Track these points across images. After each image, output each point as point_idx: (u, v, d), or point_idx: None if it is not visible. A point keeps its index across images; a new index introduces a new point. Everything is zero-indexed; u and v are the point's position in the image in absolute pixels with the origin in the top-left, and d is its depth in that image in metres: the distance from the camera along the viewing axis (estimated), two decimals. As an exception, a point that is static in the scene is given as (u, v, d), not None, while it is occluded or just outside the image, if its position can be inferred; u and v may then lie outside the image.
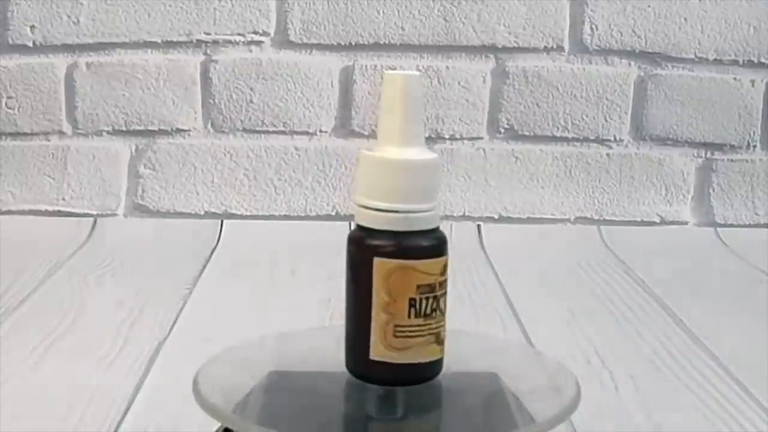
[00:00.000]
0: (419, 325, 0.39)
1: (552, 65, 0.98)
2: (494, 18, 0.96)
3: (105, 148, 0.97)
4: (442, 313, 0.40)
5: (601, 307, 0.77)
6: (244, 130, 0.97)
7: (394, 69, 0.92)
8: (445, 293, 0.40)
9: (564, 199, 1.00)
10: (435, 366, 0.41)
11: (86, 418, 0.53)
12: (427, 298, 0.39)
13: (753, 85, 0.99)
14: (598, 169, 1.00)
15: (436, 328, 0.40)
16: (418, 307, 0.39)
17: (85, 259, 0.87)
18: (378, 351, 0.40)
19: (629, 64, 0.98)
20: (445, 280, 0.40)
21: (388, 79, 0.40)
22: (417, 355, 0.40)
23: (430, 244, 0.40)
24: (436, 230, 0.40)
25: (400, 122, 0.40)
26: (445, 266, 0.40)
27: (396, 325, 0.39)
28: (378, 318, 0.39)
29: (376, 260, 0.39)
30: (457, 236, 0.95)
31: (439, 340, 0.40)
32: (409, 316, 0.39)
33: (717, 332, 0.71)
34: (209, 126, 0.97)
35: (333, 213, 0.98)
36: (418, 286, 0.39)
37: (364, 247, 0.39)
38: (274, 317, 0.72)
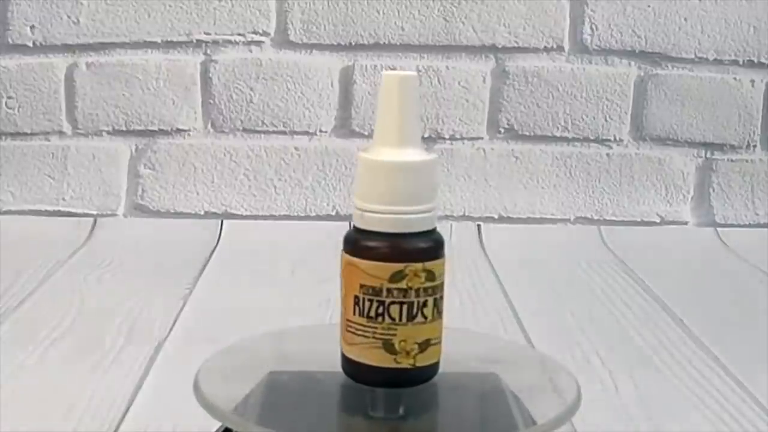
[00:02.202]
0: (363, 325, 0.39)
1: (552, 65, 0.98)
2: (494, 18, 0.96)
3: (105, 148, 0.97)
4: (396, 323, 0.39)
5: (601, 307, 0.77)
6: (244, 130, 0.98)
7: (394, 69, 0.92)
8: (402, 304, 0.39)
9: (564, 199, 1.00)
10: (390, 374, 0.39)
11: (86, 418, 0.53)
12: (371, 301, 0.39)
13: (753, 85, 0.99)
14: (598, 169, 1.00)
15: (385, 334, 0.39)
16: (361, 306, 0.39)
17: (85, 259, 0.87)
18: (341, 341, 0.41)
19: (629, 64, 0.98)
20: (403, 290, 0.39)
21: (385, 80, 0.40)
22: (362, 355, 0.40)
23: (376, 247, 0.39)
24: (417, 234, 0.39)
25: (396, 123, 0.40)
26: (399, 274, 0.39)
27: (347, 319, 0.40)
28: (341, 309, 0.40)
29: (342, 252, 0.40)
30: (457, 236, 0.96)
31: (392, 349, 0.39)
32: (354, 313, 0.40)
33: (717, 332, 0.71)
34: (209, 126, 0.97)
35: (333, 213, 0.98)
36: (361, 286, 0.39)
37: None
38: (274, 317, 0.72)
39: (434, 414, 0.42)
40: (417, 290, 0.39)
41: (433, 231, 0.40)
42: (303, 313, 0.73)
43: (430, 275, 0.39)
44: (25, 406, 0.55)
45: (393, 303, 0.39)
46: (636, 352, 0.67)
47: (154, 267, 0.85)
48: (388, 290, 0.39)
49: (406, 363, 0.39)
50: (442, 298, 0.40)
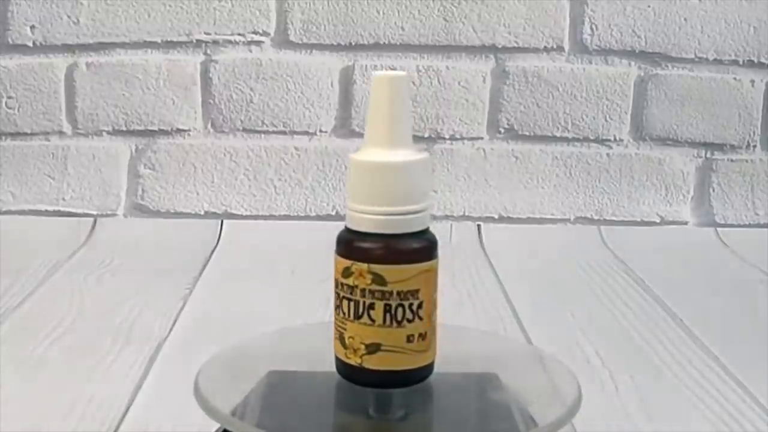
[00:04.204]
0: (333, 314, 0.40)
1: (552, 65, 0.98)
2: (494, 18, 0.96)
3: (105, 148, 0.97)
4: (346, 318, 0.39)
5: (601, 307, 0.77)
6: (244, 130, 0.98)
7: (394, 69, 0.92)
8: (350, 300, 0.39)
9: (564, 199, 1.00)
10: (343, 367, 0.40)
11: (86, 418, 0.53)
12: (335, 292, 0.40)
13: (753, 85, 0.99)
14: (598, 169, 1.00)
15: (339, 327, 0.40)
16: (334, 296, 0.40)
17: (85, 259, 0.87)
18: None
19: (629, 64, 0.98)
20: (350, 287, 0.39)
21: (375, 80, 0.40)
22: (333, 343, 0.41)
23: (339, 241, 0.40)
24: (389, 236, 0.39)
25: (385, 123, 0.40)
26: (347, 270, 0.39)
27: None
28: None
29: None
30: (457, 236, 0.95)
31: (344, 343, 0.40)
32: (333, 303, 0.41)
33: (717, 332, 0.71)
34: (209, 126, 0.97)
35: (333, 213, 0.98)
36: (335, 277, 0.40)
37: None
38: (273, 317, 0.72)
39: (434, 415, 0.42)
40: (363, 290, 0.39)
41: (407, 235, 0.39)
42: (303, 313, 0.73)
43: (378, 279, 0.39)
44: (25, 406, 0.55)
45: (344, 298, 0.39)
46: (636, 352, 0.67)
47: (154, 267, 0.85)
48: (342, 284, 0.40)
49: (353, 360, 0.40)
50: (403, 306, 0.39)
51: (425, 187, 0.40)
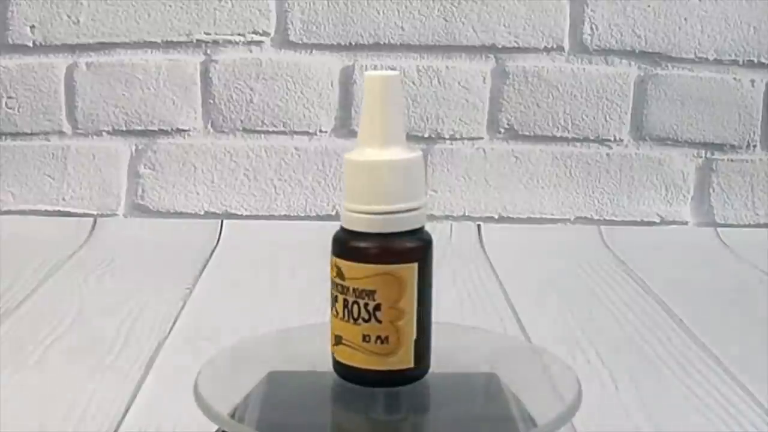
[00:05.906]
0: None
1: (552, 65, 0.98)
2: (494, 18, 0.96)
3: (105, 148, 0.97)
4: (334, 315, 0.40)
5: (601, 307, 0.77)
6: (244, 130, 0.98)
7: (393, 69, 0.92)
8: (338, 299, 0.39)
9: (564, 199, 1.00)
10: (333, 362, 0.41)
11: (86, 418, 0.53)
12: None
13: (753, 85, 0.99)
14: (598, 169, 1.00)
15: (332, 326, 0.40)
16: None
17: (85, 259, 0.87)
18: None
19: (629, 64, 0.98)
20: (339, 286, 0.39)
21: (367, 80, 0.40)
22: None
23: (333, 240, 0.40)
24: (377, 235, 0.39)
25: (379, 122, 0.40)
26: (332, 265, 0.40)
27: None
28: None
29: None
30: (457, 236, 0.95)
31: (332, 340, 0.40)
32: None
33: (717, 332, 0.71)
34: (209, 126, 0.97)
35: (333, 213, 0.98)
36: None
37: None
38: (274, 317, 0.72)
39: (434, 415, 0.42)
40: (332, 281, 0.40)
41: (393, 235, 0.39)
42: (303, 313, 0.73)
43: (339, 272, 0.39)
44: (25, 406, 0.55)
45: (335, 298, 0.40)
46: (636, 352, 0.67)
47: (154, 267, 0.85)
48: (332, 282, 0.40)
49: (331, 347, 0.41)
50: (358, 304, 0.39)
51: (411, 188, 0.39)
